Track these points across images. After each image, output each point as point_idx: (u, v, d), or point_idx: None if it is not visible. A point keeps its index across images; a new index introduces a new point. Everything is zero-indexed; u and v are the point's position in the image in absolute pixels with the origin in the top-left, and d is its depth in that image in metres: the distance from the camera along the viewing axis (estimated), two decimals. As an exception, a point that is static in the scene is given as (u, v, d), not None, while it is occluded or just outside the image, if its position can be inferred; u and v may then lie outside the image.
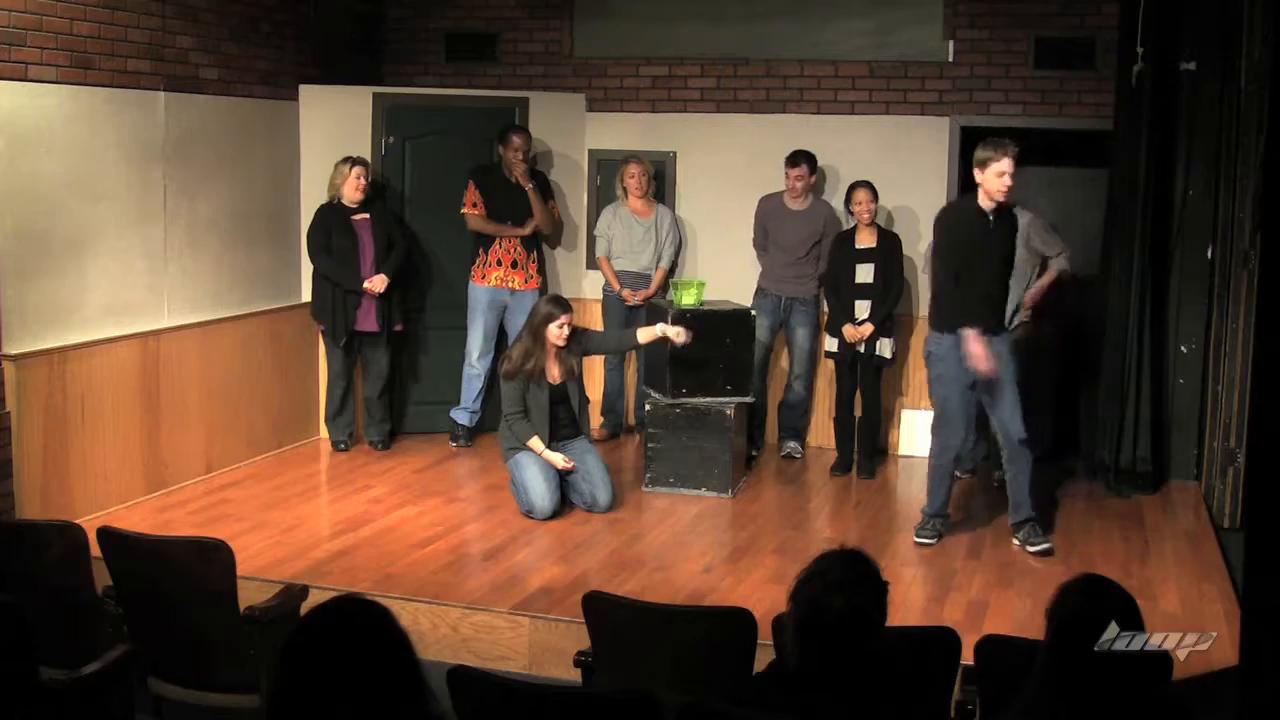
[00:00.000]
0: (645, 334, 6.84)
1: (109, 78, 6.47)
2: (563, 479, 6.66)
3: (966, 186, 7.79)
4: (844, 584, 2.87)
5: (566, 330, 6.57)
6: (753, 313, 7.38)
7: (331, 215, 7.63)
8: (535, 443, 6.58)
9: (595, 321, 8.35)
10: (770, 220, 7.89)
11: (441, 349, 8.25)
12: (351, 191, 7.59)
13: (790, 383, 8.00)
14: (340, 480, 7.35)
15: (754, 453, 7.91)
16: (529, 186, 7.84)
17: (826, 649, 2.86)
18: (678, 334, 6.70)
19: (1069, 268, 7.27)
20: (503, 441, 6.75)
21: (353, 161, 7.61)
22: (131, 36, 6.61)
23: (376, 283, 7.57)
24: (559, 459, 6.58)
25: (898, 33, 8.03)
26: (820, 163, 8.01)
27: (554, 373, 6.64)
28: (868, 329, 7.38)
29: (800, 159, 7.72)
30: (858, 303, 7.42)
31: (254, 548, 5.97)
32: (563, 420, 6.73)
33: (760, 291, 7.93)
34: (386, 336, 7.81)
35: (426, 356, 8.30)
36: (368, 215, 7.67)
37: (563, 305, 6.65)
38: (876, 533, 6.53)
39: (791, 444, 8.01)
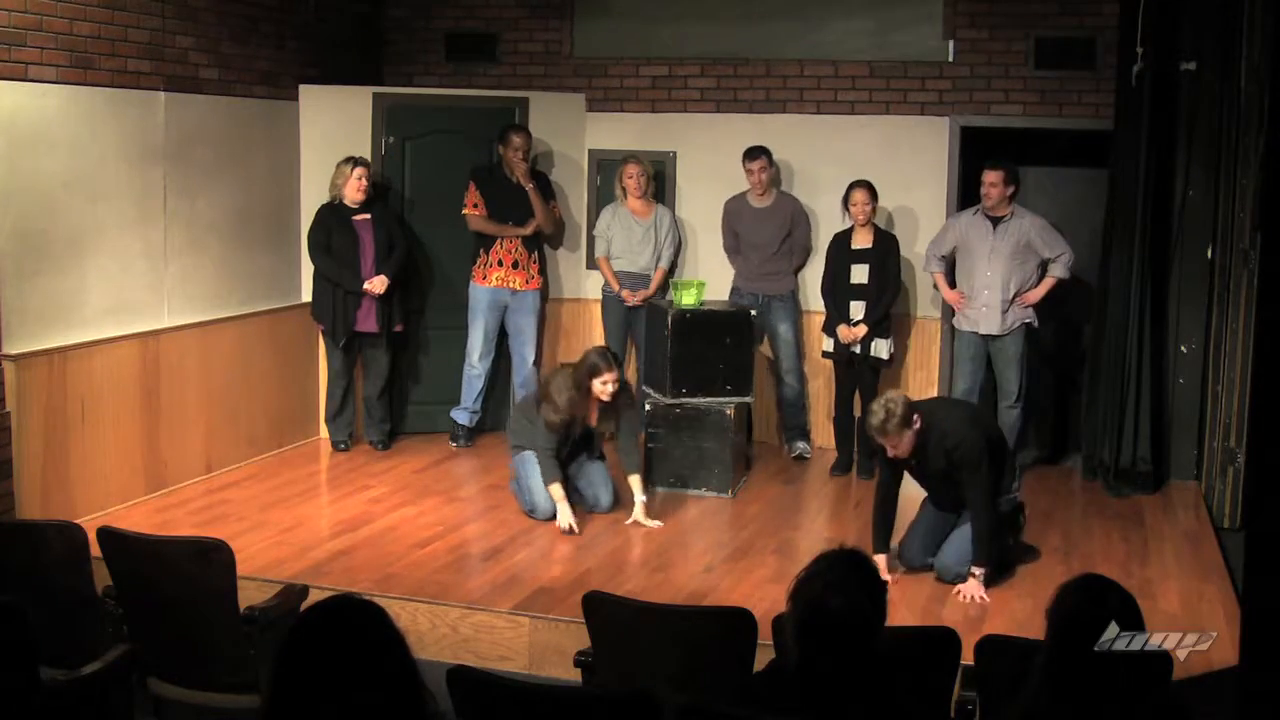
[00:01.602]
0: (635, 484, 6.56)
1: (109, 78, 6.47)
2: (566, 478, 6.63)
3: (966, 187, 7.83)
4: (843, 584, 2.87)
5: (611, 388, 6.32)
6: (753, 313, 7.38)
7: (332, 215, 7.63)
8: (556, 489, 6.37)
9: (595, 322, 8.36)
10: (737, 222, 7.92)
11: (441, 349, 8.25)
12: (353, 192, 7.59)
13: (782, 378, 7.99)
14: (340, 480, 7.35)
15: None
16: (530, 186, 7.84)
17: (826, 649, 2.86)
18: (643, 517, 6.50)
19: (1067, 275, 7.25)
20: (513, 436, 6.73)
21: (355, 162, 7.61)
22: (131, 36, 6.61)
23: (376, 284, 7.57)
24: (565, 519, 6.33)
25: (898, 33, 8.02)
26: (820, 163, 8.02)
27: (592, 418, 6.51)
28: (861, 329, 7.38)
29: (758, 152, 7.75)
30: (852, 303, 7.42)
31: (254, 548, 5.96)
32: (579, 446, 6.66)
33: (736, 292, 7.93)
34: (387, 337, 7.81)
35: (426, 357, 8.30)
36: (369, 215, 7.67)
37: (610, 362, 6.36)
38: (876, 533, 6.52)
39: (801, 444, 7.99)
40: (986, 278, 7.24)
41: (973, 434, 5.59)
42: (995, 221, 7.23)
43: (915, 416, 5.49)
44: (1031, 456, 7.88)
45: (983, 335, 7.32)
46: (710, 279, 7.75)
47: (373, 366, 7.91)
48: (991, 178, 7.15)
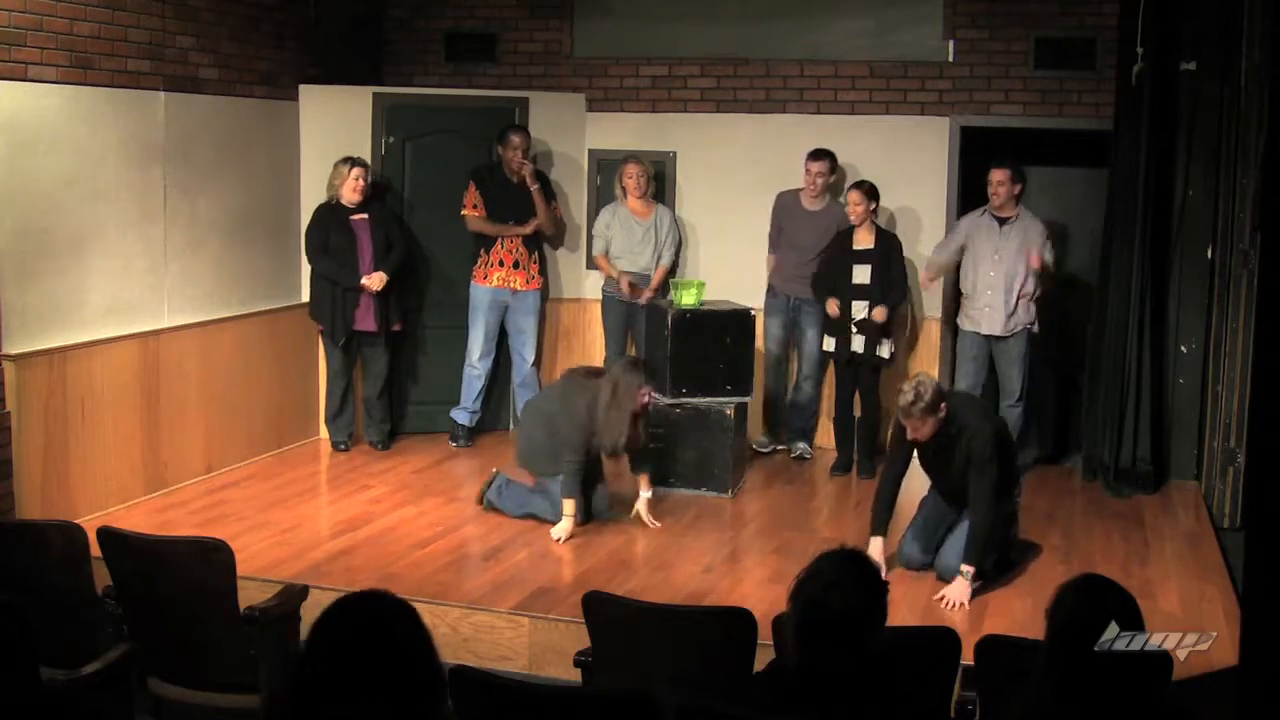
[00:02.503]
0: (644, 482, 6.55)
1: (109, 78, 6.47)
2: None
3: (966, 187, 7.82)
4: (843, 584, 2.87)
5: (647, 398, 6.28)
6: (753, 312, 7.38)
7: (329, 215, 7.63)
8: (569, 506, 6.27)
9: (595, 322, 8.35)
10: (785, 218, 7.88)
11: (441, 349, 8.25)
12: (350, 192, 7.58)
13: (799, 383, 7.99)
14: (340, 480, 7.35)
15: (779, 447, 8.03)
16: (535, 187, 7.83)
17: (826, 649, 2.86)
18: (645, 510, 6.51)
19: (1051, 266, 7.25)
20: (541, 466, 6.50)
21: (352, 162, 7.61)
22: (131, 36, 6.61)
23: (374, 280, 7.57)
24: (564, 531, 6.25)
25: (898, 33, 8.02)
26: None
27: (636, 439, 6.42)
28: (880, 314, 7.34)
29: (823, 154, 7.72)
30: (855, 303, 7.42)
31: (254, 548, 5.97)
32: (595, 463, 6.56)
33: (771, 290, 7.94)
34: (385, 336, 7.81)
35: (426, 356, 8.30)
36: (366, 215, 7.66)
37: (642, 372, 6.32)
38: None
39: (801, 445, 7.99)
40: (990, 278, 7.25)
41: (986, 428, 5.58)
42: (1001, 221, 7.23)
43: (942, 405, 5.48)
44: (1033, 456, 7.88)
45: (984, 335, 7.33)
46: (710, 279, 7.75)
47: (372, 366, 7.91)
48: (999, 176, 7.16)
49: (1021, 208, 7.26)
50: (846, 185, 7.61)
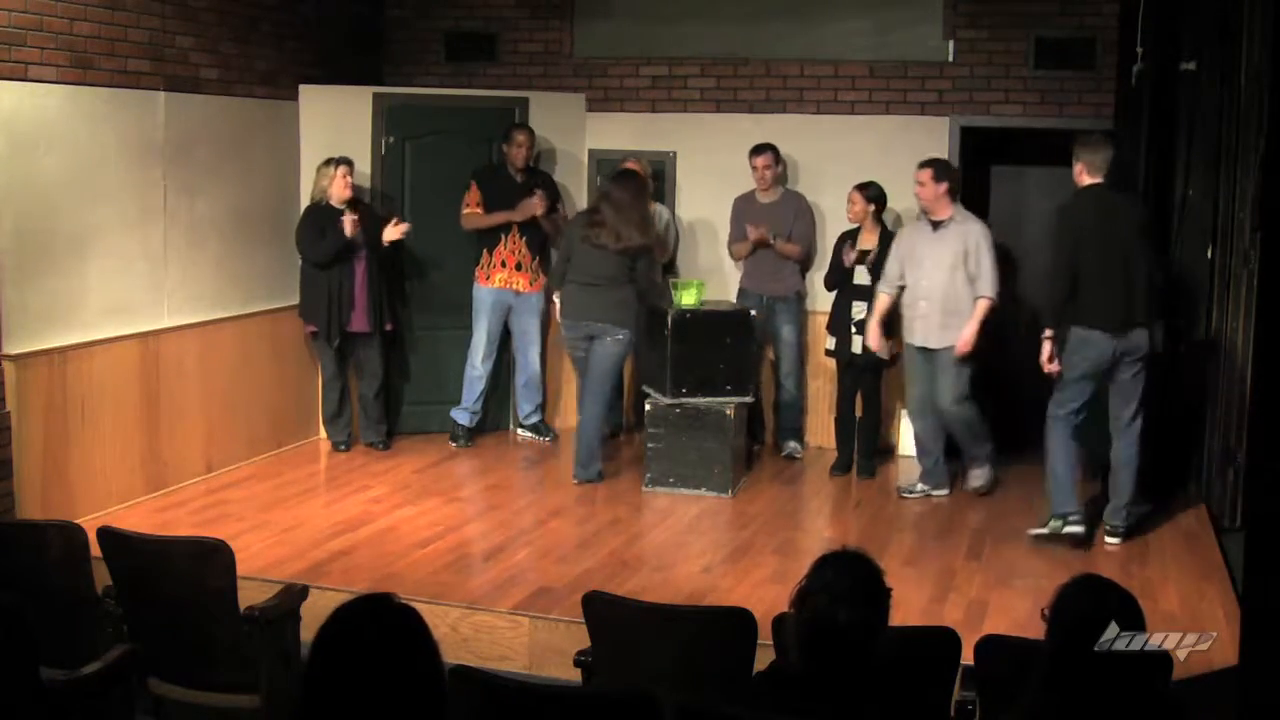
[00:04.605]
0: None
1: (109, 78, 6.47)
2: None
3: (967, 187, 7.79)
4: (850, 596, 2.85)
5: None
6: (753, 313, 7.38)
7: (320, 214, 7.60)
8: None
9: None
10: (746, 217, 7.88)
11: (440, 349, 8.25)
12: (340, 190, 7.57)
13: (781, 381, 7.99)
14: (340, 480, 7.35)
15: (755, 447, 8.00)
16: (541, 213, 7.80)
17: (830, 659, 2.85)
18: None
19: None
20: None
21: (337, 162, 7.59)
22: (131, 36, 6.61)
23: (397, 231, 7.62)
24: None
25: (898, 33, 8.02)
26: (820, 163, 8.02)
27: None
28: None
29: (764, 148, 7.76)
30: (855, 303, 7.41)
31: (254, 548, 5.97)
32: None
33: (742, 292, 7.91)
34: (379, 336, 7.80)
35: (425, 357, 8.29)
36: (356, 216, 7.64)
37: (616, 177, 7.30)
38: (877, 532, 6.53)
39: (792, 444, 8.00)
40: (923, 287, 6.99)
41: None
42: (935, 225, 6.93)
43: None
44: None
45: (919, 348, 7.14)
46: (710, 279, 7.75)
47: (366, 366, 7.90)
48: (920, 176, 6.93)
49: (958, 208, 6.94)
50: (841, 185, 7.59)
